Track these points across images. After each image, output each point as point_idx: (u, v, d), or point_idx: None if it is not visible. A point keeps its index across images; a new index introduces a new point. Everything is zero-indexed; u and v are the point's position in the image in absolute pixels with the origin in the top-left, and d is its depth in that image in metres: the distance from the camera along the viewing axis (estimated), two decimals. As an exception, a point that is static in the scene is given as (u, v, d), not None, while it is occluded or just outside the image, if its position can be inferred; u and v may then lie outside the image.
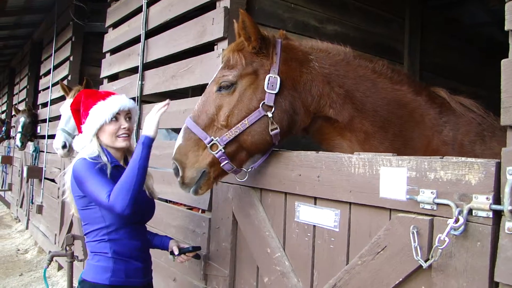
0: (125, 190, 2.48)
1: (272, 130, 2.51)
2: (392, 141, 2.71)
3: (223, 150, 2.47)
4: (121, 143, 2.83)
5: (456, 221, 1.71)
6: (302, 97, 2.60)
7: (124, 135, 2.83)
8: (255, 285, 2.92)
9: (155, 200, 3.11)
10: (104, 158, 2.74)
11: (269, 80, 2.50)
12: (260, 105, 2.49)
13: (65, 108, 5.99)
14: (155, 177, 3.16)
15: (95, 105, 2.81)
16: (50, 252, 4.55)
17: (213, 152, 2.47)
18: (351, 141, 2.71)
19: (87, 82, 5.95)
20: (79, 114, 2.91)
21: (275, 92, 2.50)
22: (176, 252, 3.03)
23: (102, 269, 2.69)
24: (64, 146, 5.72)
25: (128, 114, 2.90)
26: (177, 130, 6.20)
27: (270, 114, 2.49)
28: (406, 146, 2.71)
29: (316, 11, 4.22)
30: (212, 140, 2.47)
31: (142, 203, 2.83)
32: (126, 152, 2.98)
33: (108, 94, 2.91)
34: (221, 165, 2.51)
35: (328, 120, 2.70)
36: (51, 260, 4.07)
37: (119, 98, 2.87)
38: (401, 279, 1.96)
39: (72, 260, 4.28)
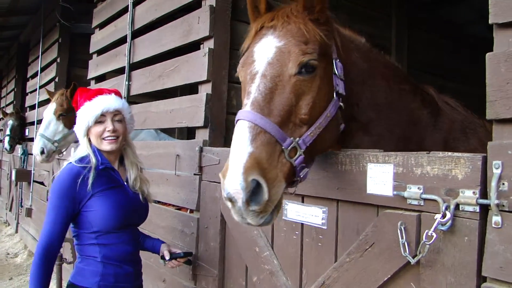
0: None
1: (340, 124, 2.11)
2: (397, 144, 2.51)
3: (303, 155, 1.85)
4: (106, 146, 2.76)
5: (443, 216, 1.70)
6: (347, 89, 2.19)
7: (109, 138, 2.75)
8: (244, 284, 2.90)
9: (150, 204, 3.06)
10: (93, 160, 2.69)
11: (336, 64, 2.05)
12: (335, 93, 2.03)
13: (47, 112, 5.91)
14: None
15: (82, 105, 2.77)
16: (37, 255, 4.49)
17: (291, 159, 1.82)
18: (363, 142, 2.40)
19: (74, 87, 5.91)
20: None
21: (343, 79, 2.08)
22: (167, 257, 2.98)
23: (91, 273, 2.66)
24: (42, 152, 5.58)
25: (116, 115, 2.81)
26: (164, 131, 6.21)
27: (342, 105, 2.05)
28: (405, 149, 2.60)
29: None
30: (292, 142, 1.83)
31: (132, 209, 2.80)
32: (123, 153, 2.93)
33: (97, 93, 2.83)
34: (301, 175, 1.90)
35: (352, 119, 2.34)
36: (38, 263, 4.02)
37: (104, 100, 2.78)
38: (389, 276, 1.95)
39: (61, 262, 4.23)
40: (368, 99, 2.37)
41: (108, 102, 2.77)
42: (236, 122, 1.85)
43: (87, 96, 2.79)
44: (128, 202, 2.78)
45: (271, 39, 1.98)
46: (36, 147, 5.62)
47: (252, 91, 1.88)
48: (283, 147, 1.80)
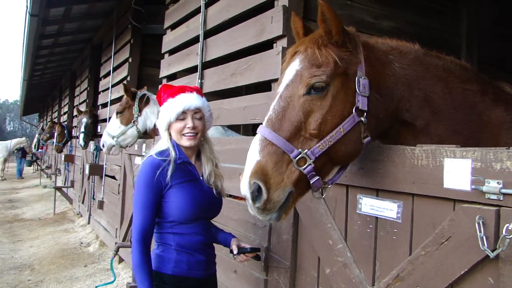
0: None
1: (364, 138, 2.26)
2: (465, 144, 2.46)
3: (312, 165, 2.12)
4: (185, 142, 2.91)
5: (525, 211, 1.71)
6: (384, 101, 2.37)
7: (189, 135, 2.89)
8: (316, 276, 2.98)
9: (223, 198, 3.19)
10: (172, 154, 2.87)
11: (359, 81, 2.23)
12: (354, 109, 2.21)
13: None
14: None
15: (165, 102, 2.96)
16: (116, 243, 4.80)
17: (300, 168, 2.11)
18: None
19: (125, 87, 6.34)
20: None
21: (367, 95, 2.25)
22: (235, 252, 3.08)
23: (165, 259, 2.85)
24: (103, 145, 6.35)
25: (197, 113, 2.94)
26: (232, 127, 6.39)
27: (364, 120, 2.23)
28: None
29: (372, 7, 4.23)
30: (300, 153, 2.11)
31: (206, 203, 2.95)
32: (200, 148, 3.07)
33: (180, 91, 2.96)
34: (311, 182, 2.15)
35: (404, 124, 2.53)
36: (117, 251, 4.31)
37: (185, 98, 2.91)
38: (466, 270, 1.97)
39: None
40: (420, 104, 2.49)
41: (189, 101, 2.91)
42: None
43: (171, 93, 2.95)
44: (202, 196, 2.92)
45: (296, 62, 2.28)
46: (101, 141, 6.47)
47: (270, 109, 2.24)
48: (291, 157, 2.10)
